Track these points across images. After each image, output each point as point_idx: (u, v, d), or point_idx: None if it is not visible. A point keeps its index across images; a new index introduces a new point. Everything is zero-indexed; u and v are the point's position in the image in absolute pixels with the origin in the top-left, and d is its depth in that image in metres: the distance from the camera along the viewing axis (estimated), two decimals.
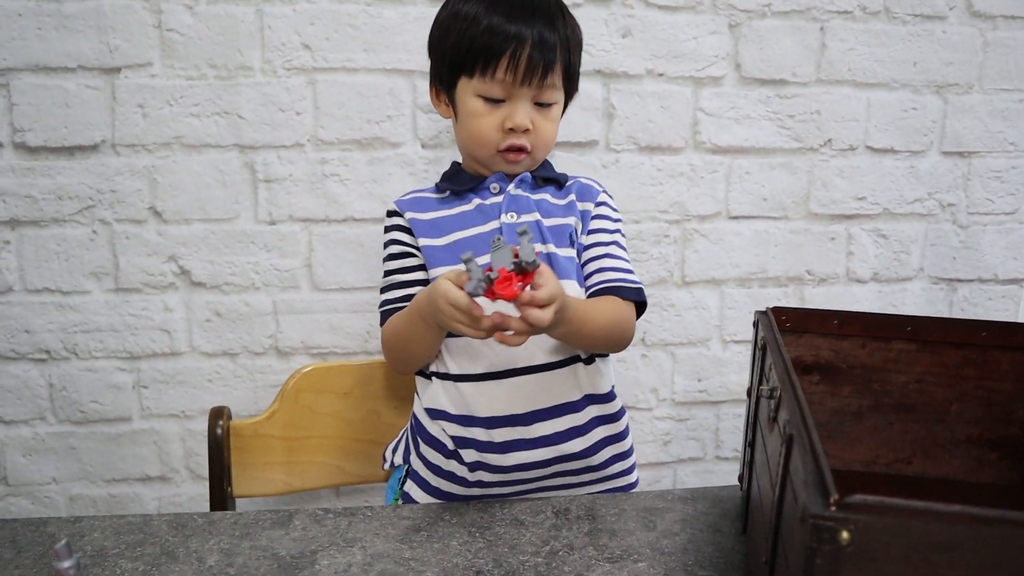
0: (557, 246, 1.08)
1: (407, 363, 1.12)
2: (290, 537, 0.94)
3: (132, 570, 0.86)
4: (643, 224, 1.52)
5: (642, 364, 1.58)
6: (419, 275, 1.11)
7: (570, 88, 1.14)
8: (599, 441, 1.10)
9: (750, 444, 0.93)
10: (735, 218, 1.55)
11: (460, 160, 1.19)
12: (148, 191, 1.40)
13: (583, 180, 1.19)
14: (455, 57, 1.07)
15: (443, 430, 1.08)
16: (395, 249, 1.13)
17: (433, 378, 1.10)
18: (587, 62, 1.42)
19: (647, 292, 1.50)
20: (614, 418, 1.11)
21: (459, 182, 1.14)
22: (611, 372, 1.14)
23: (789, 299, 1.60)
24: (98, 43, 1.34)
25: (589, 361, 1.09)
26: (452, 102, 1.12)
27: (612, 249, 1.13)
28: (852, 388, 1.03)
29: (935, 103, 1.54)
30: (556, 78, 1.07)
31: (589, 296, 1.10)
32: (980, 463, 1.04)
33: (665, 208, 1.52)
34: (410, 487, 1.13)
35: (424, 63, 1.39)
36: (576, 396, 1.08)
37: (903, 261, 1.61)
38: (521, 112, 1.06)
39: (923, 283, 1.63)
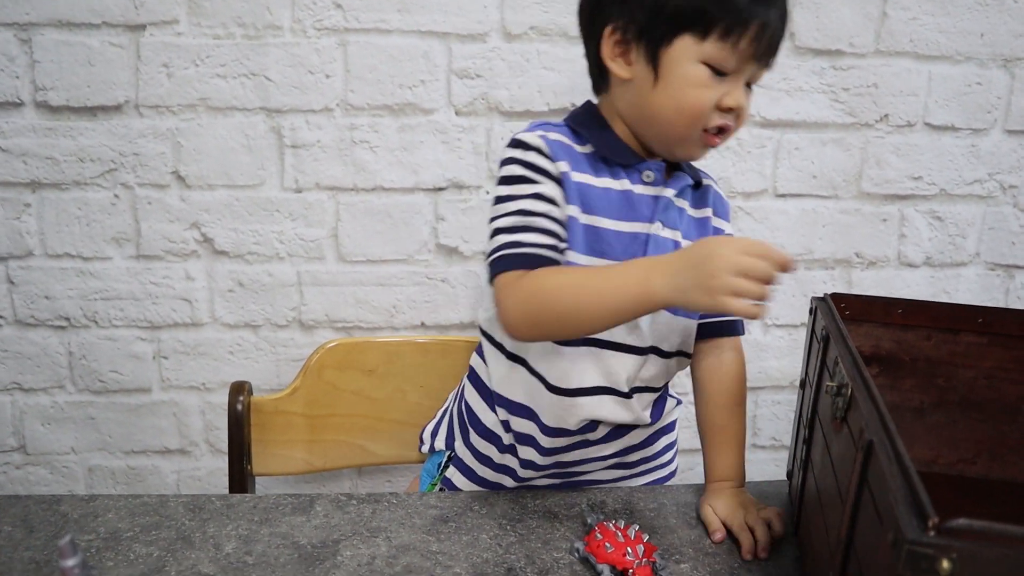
0: None
1: (548, 329, 0.90)
2: (311, 524, 0.89)
3: (146, 555, 0.82)
4: None
5: None
6: (563, 243, 0.90)
7: None
8: (655, 432, 1.05)
9: (805, 441, 0.86)
10: (782, 196, 1.47)
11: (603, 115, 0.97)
12: (172, 155, 1.34)
13: (715, 186, 1.03)
14: (686, 10, 0.85)
15: (505, 422, 1.00)
16: (538, 188, 0.90)
17: (518, 366, 0.97)
18: None
19: None
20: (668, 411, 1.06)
21: (615, 150, 0.93)
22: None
23: (836, 282, 1.52)
24: None
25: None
26: (654, 61, 0.88)
27: None
28: (914, 382, 0.96)
29: (1001, 78, 1.45)
30: (777, 57, 0.91)
31: (704, 327, 1.01)
32: None
33: None
34: (453, 474, 1.06)
35: (461, 25, 1.32)
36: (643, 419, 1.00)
37: (958, 245, 1.53)
38: (741, 91, 0.89)
39: (979, 269, 1.55)
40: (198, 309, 1.41)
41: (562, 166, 0.90)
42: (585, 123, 0.95)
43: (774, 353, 1.54)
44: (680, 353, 1.00)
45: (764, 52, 0.87)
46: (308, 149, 1.36)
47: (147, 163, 1.34)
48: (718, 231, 1.01)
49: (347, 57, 1.33)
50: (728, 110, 0.88)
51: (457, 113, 1.36)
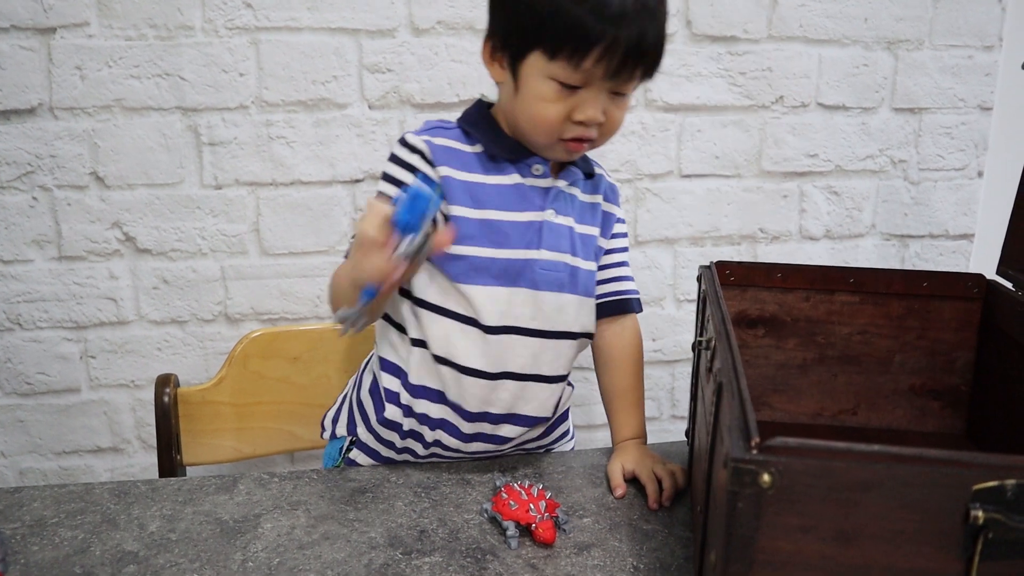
0: (584, 259, 1.01)
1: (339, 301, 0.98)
2: (234, 502, 0.93)
3: (71, 538, 0.85)
4: None
5: None
6: None
7: None
8: (555, 421, 1.10)
9: (693, 397, 0.93)
10: (687, 176, 1.55)
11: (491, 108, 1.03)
12: (89, 156, 1.36)
13: (607, 176, 1.09)
14: (535, 28, 0.88)
15: (407, 408, 1.01)
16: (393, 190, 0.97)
17: (417, 351, 1.00)
18: None
19: None
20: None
21: (503, 147, 0.98)
22: None
23: (742, 257, 1.60)
24: (31, 1, 1.29)
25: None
26: (513, 72, 0.93)
27: (626, 256, 1.10)
28: (797, 341, 1.04)
29: (886, 59, 1.54)
30: (644, 72, 0.92)
31: (606, 303, 1.07)
32: (924, 412, 1.05)
33: (617, 167, 1.51)
34: (356, 455, 1.08)
35: (370, 21, 1.36)
36: (550, 411, 1.05)
37: (855, 218, 1.62)
38: (596, 104, 0.90)
39: (875, 239, 1.64)
40: (124, 307, 1.43)
41: (443, 170, 0.95)
42: (475, 123, 0.99)
43: (688, 327, 1.62)
44: (584, 335, 1.05)
45: (617, 69, 0.87)
46: (226, 146, 1.39)
47: (65, 165, 1.36)
48: (608, 215, 1.06)
49: (260, 55, 1.36)
50: (579, 123, 0.91)
51: (370, 107, 1.41)
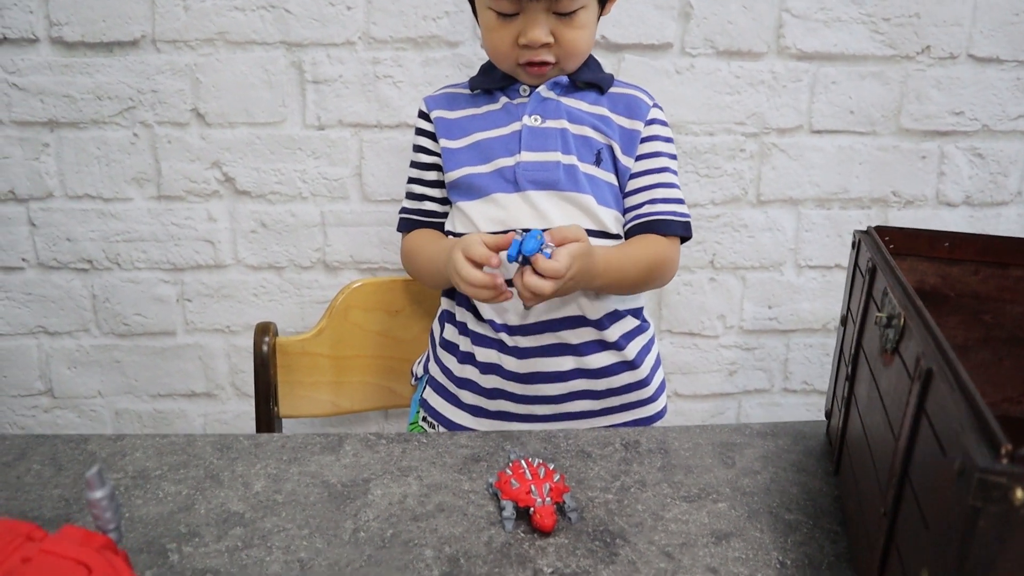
0: (580, 159, 1.02)
1: (420, 281, 1.14)
2: (341, 464, 0.87)
3: (175, 493, 0.81)
4: (717, 137, 1.40)
5: (710, 288, 1.48)
6: (437, 192, 1.10)
7: None
8: (625, 362, 1.05)
9: (848, 378, 0.83)
10: (818, 132, 1.42)
11: None
12: (191, 91, 1.31)
13: (632, 91, 1.08)
14: None
15: (461, 326, 1.05)
16: (418, 157, 1.10)
17: None
18: None
19: (717, 211, 1.41)
20: (619, 345, 1.05)
21: (491, 79, 1.07)
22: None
23: (872, 222, 1.48)
24: None
25: None
26: (473, 11, 1.06)
27: (664, 177, 1.05)
28: (959, 319, 0.93)
29: None
30: None
31: (634, 227, 1.04)
32: None
33: (742, 119, 1.40)
34: (429, 395, 1.10)
35: None
36: (600, 312, 1.03)
37: (999, 184, 1.48)
38: (535, 27, 0.96)
39: (1020, 208, 1.50)
40: (221, 251, 1.39)
41: (436, 113, 1.07)
42: (480, 70, 1.10)
43: (807, 295, 1.51)
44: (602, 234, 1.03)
45: None
46: (330, 84, 1.32)
47: (166, 100, 1.31)
48: (629, 132, 1.04)
49: None
50: (526, 47, 0.97)
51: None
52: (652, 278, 1.04)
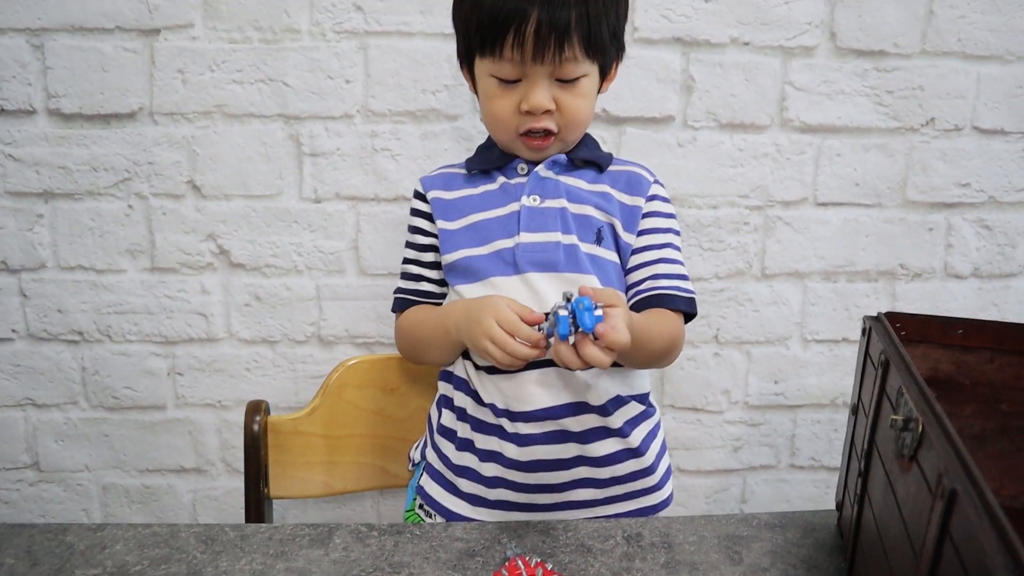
0: (580, 239, 0.99)
1: (418, 359, 1.10)
2: (330, 559, 0.83)
3: None
4: (721, 210, 1.38)
5: (714, 363, 1.45)
6: (434, 273, 1.08)
7: (605, 55, 0.98)
8: (618, 451, 1.00)
9: (860, 474, 0.79)
10: (823, 204, 1.40)
11: None
12: (187, 163, 1.30)
13: (632, 168, 1.06)
14: (467, 35, 0.97)
15: (460, 412, 1.01)
16: (414, 238, 1.08)
17: (459, 360, 1.03)
18: (665, 28, 1.29)
19: (721, 285, 1.38)
20: (623, 432, 1.00)
21: (487, 159, 1.05)
22: (646, 376, 1.06)
23: (879, 295, 1.45)
24: (137, 2, 1.24)
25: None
26: (472, 79, 1.03)
27: (666, 252, 1.02)
28: (975, 408, 0.89)
29: None
30: (575, 50, 0.93)
31: (636, 303, 1.01)
32: None
33: (746, 192, 1.38)
34: (425, 482, 1.05)
35: None
36: (603, 398, 0.98)
37: (1008, 255, 1.45)
38: (538, 93, 0.95)
39: None
40: (214, 324, 1.36)
41: (432, 194, 1.05)
42: (478, 150, 1.08)
43: (814, 370, 1.47)
44: None
45: (535, 55, 0.91)
46: (327, 157, 1.31)
47: (162, 172, 1.30)
48: (630, 208, 1.02)
49: (368, 61, 1.28)
50: (528, 113, 0.96)
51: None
52: (669, 351, 1.00)
